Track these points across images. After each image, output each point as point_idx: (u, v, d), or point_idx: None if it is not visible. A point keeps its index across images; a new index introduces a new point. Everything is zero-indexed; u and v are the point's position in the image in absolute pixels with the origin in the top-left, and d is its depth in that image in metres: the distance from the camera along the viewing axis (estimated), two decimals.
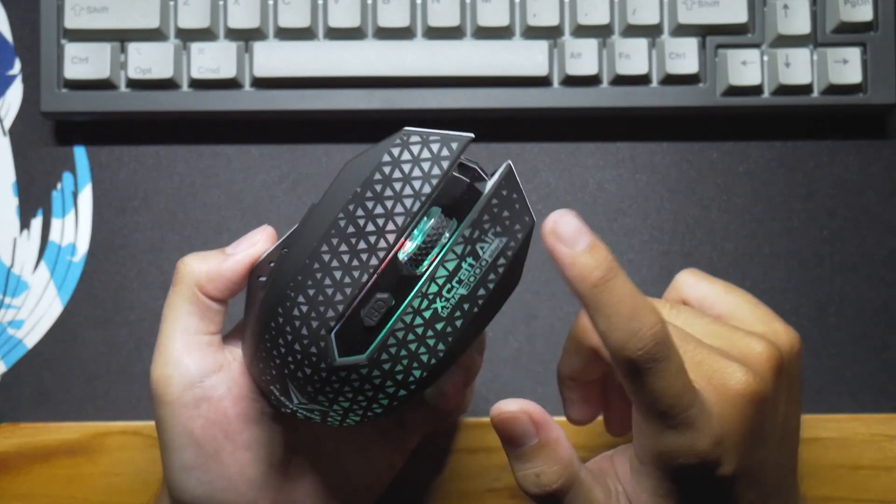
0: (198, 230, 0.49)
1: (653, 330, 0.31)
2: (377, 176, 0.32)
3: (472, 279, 0.32)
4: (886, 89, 0.48)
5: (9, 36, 0.50)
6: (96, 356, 0.49)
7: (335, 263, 0.32)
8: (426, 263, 0.32)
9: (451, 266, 0.32)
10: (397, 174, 0.32)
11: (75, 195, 0.49)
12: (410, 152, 0.32)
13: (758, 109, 0.48)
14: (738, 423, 0.32)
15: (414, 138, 0.32)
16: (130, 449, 0.47)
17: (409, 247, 0.32)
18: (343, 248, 0.32)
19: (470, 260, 0.32)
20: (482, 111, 0.48)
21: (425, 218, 0.32)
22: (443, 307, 0.32)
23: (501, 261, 0.33)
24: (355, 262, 0.32)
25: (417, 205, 0.32)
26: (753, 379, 0.33)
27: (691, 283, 0.38)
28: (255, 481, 0.36)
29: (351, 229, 0.32)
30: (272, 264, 0.34)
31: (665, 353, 0.31)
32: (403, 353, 0.32)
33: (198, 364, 0.35)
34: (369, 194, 0.32)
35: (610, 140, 0.50)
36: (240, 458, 0.36)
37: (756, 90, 0.48)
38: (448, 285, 0.32)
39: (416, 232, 0.32)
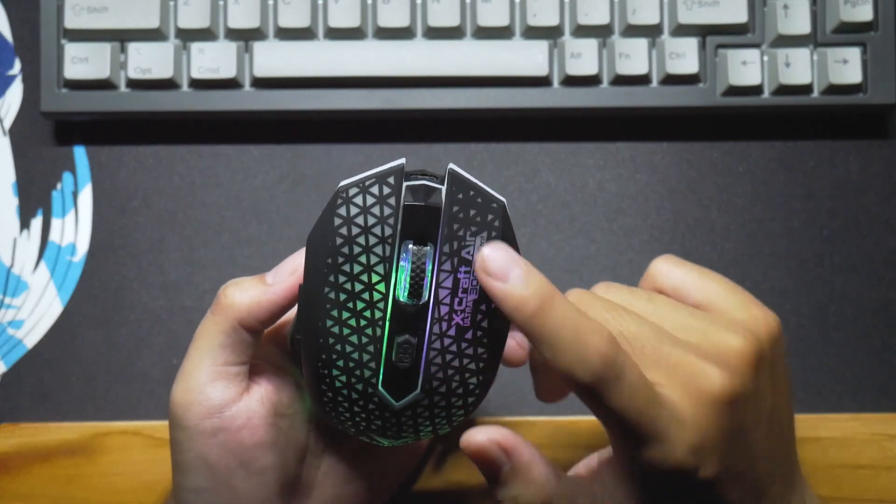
0: (198, 230, 0.49)
1: (599, 352, 0.30)
2: (339, 241, 0.32)
3: (475, 283, 0.33)
4: (886, 89, 0.48)
5: (9, 36, 0.50)
6: (96, 356, 0.49)
7: (346, 330, 0.33)
8: (426, 292, 0.33)
9: (449, 283, 0.33)
10: (355, 230, 0.32)
11: (75, 195, 0.49)
12: (356, 205, 0.32)
13: (758, 109, 0.48)
14: (716, 427, 0.32)
15: (353, 191, 0.33)
16: (130, 449, 0.47)
17: (403, 285, 0.33)
18: (345, 314, 0.33)
19: (463, 268, 0.33)
20: (482, 111, 0.48)
21: (403, 254, 0.33)
22: (463, 319, 0.33)
23: None
24: (363, 322, 0.33)
25: (388, 249, 0.32)
26: (730, 380, 0.32)
27: (665, 270, 0.37)
28: (265, 502, 0.36)
29: (342, 296, 0.33)
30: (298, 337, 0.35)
31: (617, 372, 0.30)
32: (451, 371, 0.33)
33: (220, 395, 0.35)
34: (341, 259, 0.32)
35: (610, 140, 0.50)
36: (252, 482, 0.36)
37: (756, 90, 0.48)
38: (456, 299, 0.33)
39: (401, 271, 0.33)
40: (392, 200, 0.32)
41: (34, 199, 0.50)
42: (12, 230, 0.49)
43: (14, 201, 0.50)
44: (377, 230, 0.32)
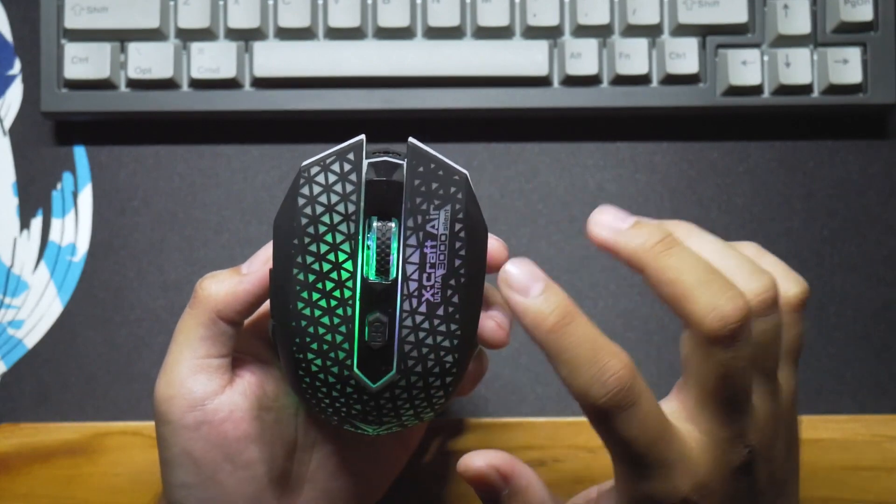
0: (198, 230, 0.49)
1: (616, 375, 0.29)
2: (304, 221, 0.32)
3: (442, 257, 0.32)
4: (886, 89, 0.48)
5: (9, 36, 0.50)
6: (96, 356, 0.49)
7: (317, 312, 0.33)
8: (393, 269, 0.32)
9: (416, 258, 0.32)
10: (319, 209, 0.32)
11: (75, 195, 0.50)
12: (318, 183, 0.32)
13: (758, 109, 0.48)
14: (724, 467, 0.31)
15: (314, 169, 0.32)
16: (130, 449, 0.47)
17: (370, 262, 0.32)
18: (315, 295, 0.32)
19: (430, 242, 0.32)
20: (482, 111, 0.48)
21: (368, 231, 0.32)
22: (433, 294, 0.33)
23: (458, 226, 0.33)
24: (333, 302, 0.32)
25: (353, 226, 0.32)
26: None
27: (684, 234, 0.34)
28: (254, 497, 0.36)
29: (311, 277, 0.32)
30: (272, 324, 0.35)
31: (632, 399, 0.30)
32: (425, 349, 0.33)
33: (202, 387, 0.35)
34: (307, 240, 0.32)
35: (610, 140, 0.50)
36: (239, 476, 0.36)
37: (756, 90, 0.48)
38: (424, 274, 0.32)
39: (367, 248, 0.32)
40: (353, 176, 0.32)
41: (34, 199, 0.50)
42: (12, 230, 0.49)
43: (14, 201, 0.50)
44: (341, 207, 0.32)
